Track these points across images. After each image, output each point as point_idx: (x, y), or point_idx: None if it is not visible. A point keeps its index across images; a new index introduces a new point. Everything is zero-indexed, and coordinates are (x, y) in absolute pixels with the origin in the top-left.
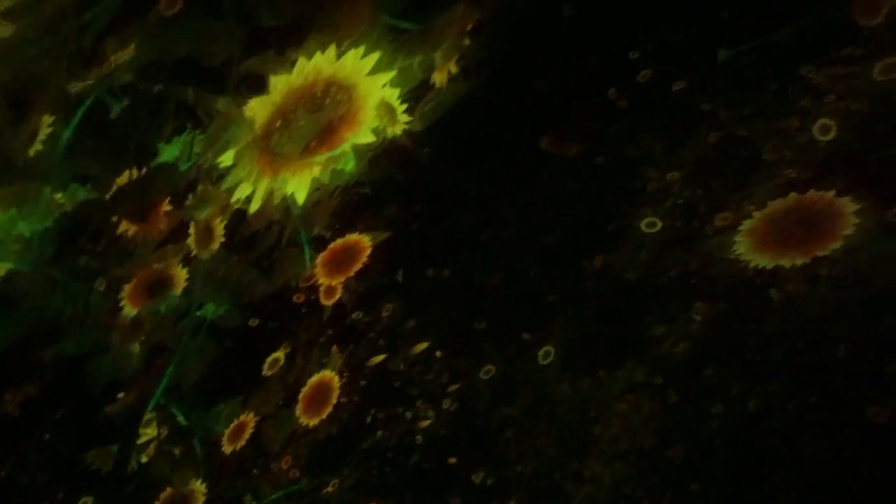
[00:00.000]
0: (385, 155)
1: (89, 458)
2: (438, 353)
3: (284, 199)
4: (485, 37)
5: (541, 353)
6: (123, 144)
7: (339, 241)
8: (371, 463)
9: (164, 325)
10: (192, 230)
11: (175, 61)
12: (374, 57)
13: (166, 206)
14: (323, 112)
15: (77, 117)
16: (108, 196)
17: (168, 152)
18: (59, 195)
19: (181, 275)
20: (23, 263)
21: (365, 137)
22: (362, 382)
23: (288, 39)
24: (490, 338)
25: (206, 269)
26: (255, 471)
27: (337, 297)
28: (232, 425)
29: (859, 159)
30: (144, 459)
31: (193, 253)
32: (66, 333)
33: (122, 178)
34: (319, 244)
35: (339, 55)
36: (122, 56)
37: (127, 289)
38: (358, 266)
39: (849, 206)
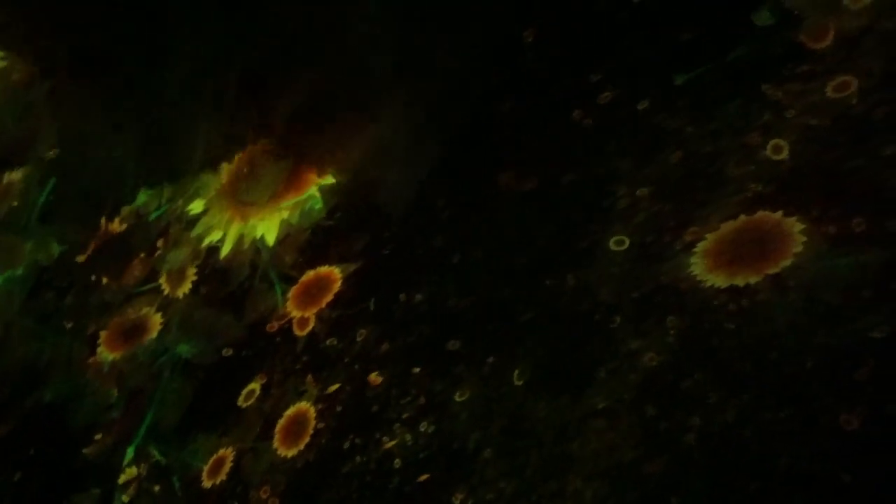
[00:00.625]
0: (352, 185)
1: (73, 502)
2: (414, 376)
3: (255, 241)
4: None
5: (515, 372)
6: (97, 202)
7: (310, 274)
8: (350, 488)
9: (141, 369)
10: (163, 273)
11: None
12: None
13: (140, 254)
14: (288, 158)
15: (50, 184)
16: (84, 257)
17: (139, 199)
18: (33, 249)
19: (156, 319)
20: None
21: (331, 178)
22: (339, 408)
23: None
24: (464, 359)
25: (180, 314)
26: (234, 502)
27: (310, 327)
28: (211, 460)
29: (815, 176)
30: (126, 499)
31: (166, 292)
32: (44, 380)
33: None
34: (291, 280)
35: None
36: None
37: (103, 335)
38: (329, 297)
39: (796, 225)
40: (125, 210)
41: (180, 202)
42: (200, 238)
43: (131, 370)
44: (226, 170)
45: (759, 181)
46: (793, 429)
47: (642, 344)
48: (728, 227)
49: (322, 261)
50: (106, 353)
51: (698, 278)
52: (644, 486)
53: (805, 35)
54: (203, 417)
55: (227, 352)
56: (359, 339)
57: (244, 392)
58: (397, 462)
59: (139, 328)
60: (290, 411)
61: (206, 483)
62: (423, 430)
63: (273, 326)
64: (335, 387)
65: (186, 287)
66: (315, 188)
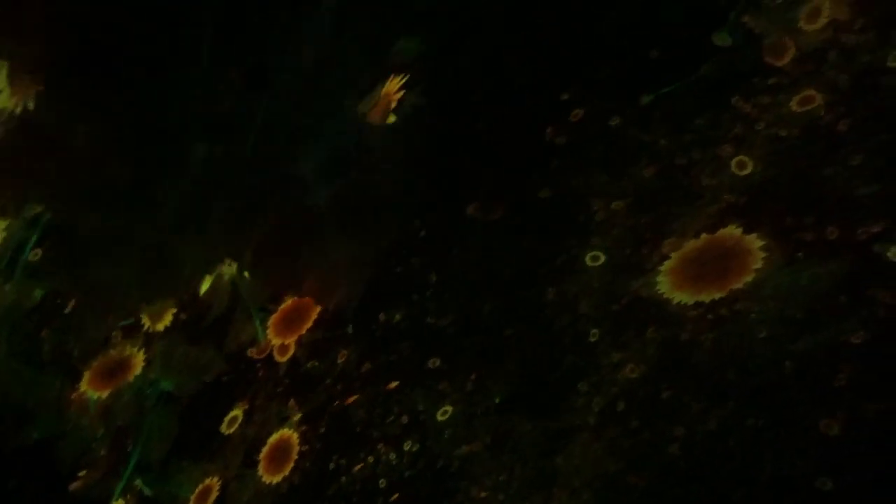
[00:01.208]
0: None
1: None
2: (396, 395)
3: (233, 277)
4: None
5: (498, 388)
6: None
7: (289, 302)
8: None
9: (127, 406)
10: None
11: None
12: None
13: None
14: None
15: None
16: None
17: None
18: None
19: (139, 357)
20: None
21: None
22: (322, 429)
23: None
24: (446, 376)
25: (162, 351)
26: None
27: (291, 353)
28: (197, 490)
29: (786, 185)
30: None
31: (147, 327)
32: (31, 419)
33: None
34: (269, 311)
35: None
36: None
37: (88, 374)
38: (309, 324)
39: (755, 242)
40: None
41: None
42: None
43: (117, 408)
44: None
45: (732, 192)
46: (775, 436)
47: (623, 356)
48: (691, 245)
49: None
50: (91, 392)
51: (665, 296)
52: (629, 497)
53: (767, 53)
54: (188, 446)
55: (209, 377)
56: (340, 360)
57: (227, 419)
58: (382, 482)
59: (123, 366)
60: (274, 438)
61: None
62: (407, 448)
63: (253, 353)
64: (318, 407)
65: (167, 320)
66: None
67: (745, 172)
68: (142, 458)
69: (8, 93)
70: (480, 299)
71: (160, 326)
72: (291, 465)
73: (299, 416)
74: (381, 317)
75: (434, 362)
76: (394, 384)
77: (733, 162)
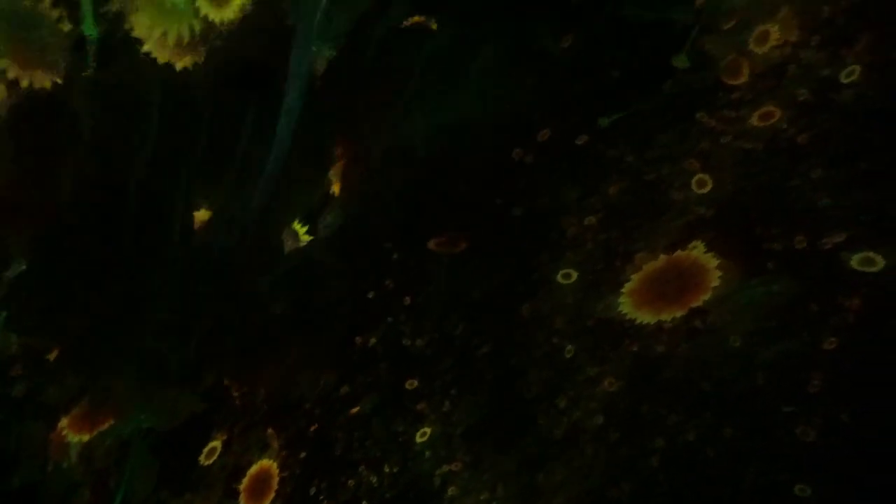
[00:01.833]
0: None
1: None
2: (375, 418)
3: None
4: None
5: (475, 406)
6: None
7: None
8: None
9: (109, 450)
10: None
11: None
12: None
13: None
14: None
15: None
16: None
17: None
18: None
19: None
20: None
21: None
22: (302, 454)
23: None
24: (424, 397)
25: (143, 397)
26: None
27: None
28: None
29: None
30: None
31: None
32: (13, 466)
33: None
34: None
35: None
36: None
37: (68, 419)
38: None
39: (712, 261)
40: None
41: None
42: None
43: (99, 452)
44: None
45: (701, 204)
46: (753, 444)
47: (600, 370)
48: (650, 266)
49: None
50: (72, 436)
51: (628, 317)
52: None
53: (724, 73)
54: (167, 479)
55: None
56: (319, 384)
57: (206, 450)
58: None
59: (104, 411)
60: (254, 469)
61: None
62: (387, 470)
63: (230, 384)
64: (297, 434)
65: None
66: None
67: (705, 191)
68: (125, 499)
69: None
70: (455, 319)
71: None
72: (272, 495)
73: (278, 445)
74: (358, 340)
75: (411, 384)
76: (373, 407)
77: (693, 181)
